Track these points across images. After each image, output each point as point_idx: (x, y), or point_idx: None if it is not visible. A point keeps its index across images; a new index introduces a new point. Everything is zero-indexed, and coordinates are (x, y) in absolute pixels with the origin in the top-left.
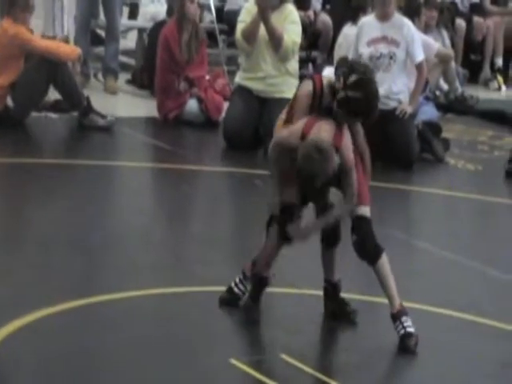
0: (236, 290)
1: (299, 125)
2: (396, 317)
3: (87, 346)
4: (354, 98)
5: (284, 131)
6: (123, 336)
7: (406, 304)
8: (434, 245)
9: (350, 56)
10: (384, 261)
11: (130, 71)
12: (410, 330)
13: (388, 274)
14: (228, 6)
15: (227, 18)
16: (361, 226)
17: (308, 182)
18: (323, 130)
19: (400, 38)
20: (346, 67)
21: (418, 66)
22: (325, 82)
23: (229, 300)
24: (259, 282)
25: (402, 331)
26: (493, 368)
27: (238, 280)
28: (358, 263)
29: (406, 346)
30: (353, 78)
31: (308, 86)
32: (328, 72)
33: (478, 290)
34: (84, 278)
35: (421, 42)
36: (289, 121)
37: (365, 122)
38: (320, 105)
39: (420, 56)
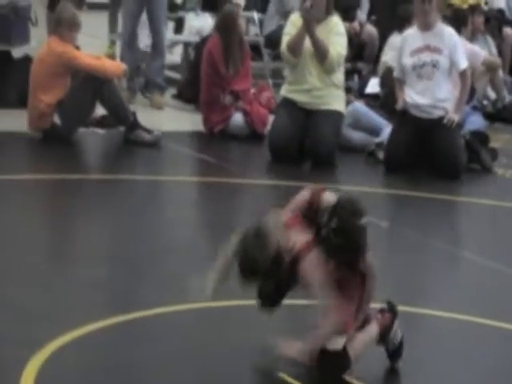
0: None
1: (284, 213)
2: None
3: (130, 360)
4: (334, 243)
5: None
6: (165, 350)
7: (454, 315)
8: (481, 256)
9: (395, 71)
10: None
11: (176, 86)
12: None
13: None
14: (266, 30)
15: (269, 40)
16: (329, 361)
17: (243, 266)
18: (299, 234)
19: (442, 45)
20: (331, 209)
21: (462, 74)
22: (324, 198)
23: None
24: None
25: None
26: None
27: None
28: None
29: None
30: (333, 223)
31: (305, 195)
32: (373, 83)
33: None
34: (129, 293)
35: (466, 51)
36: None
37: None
38: (314, 219)
39: (463, 64)
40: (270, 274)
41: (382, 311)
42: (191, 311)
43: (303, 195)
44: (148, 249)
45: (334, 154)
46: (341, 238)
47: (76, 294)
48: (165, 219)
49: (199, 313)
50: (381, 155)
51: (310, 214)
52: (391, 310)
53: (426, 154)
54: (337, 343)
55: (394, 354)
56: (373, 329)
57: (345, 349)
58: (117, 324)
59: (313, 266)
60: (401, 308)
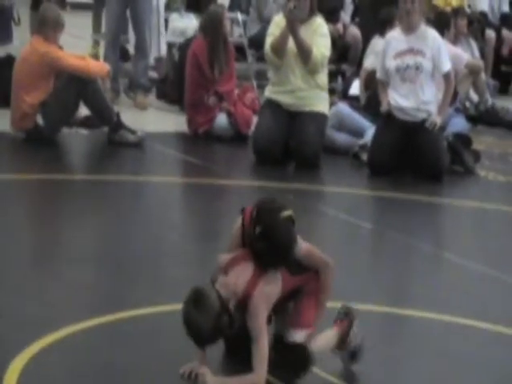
0: None
1: (223, 259)
2: None
3: (115, 361)
4: (262, 249)
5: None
6: (151, 351)
7: (437, 316)
8: (464, 258)
9: (378, 69)
10: None
11: (155, 85)
12: None
13: None
14: (250, 31)
15: (253, 41)
16: (292, 352)
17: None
18: (240, 275)
19: (426, 48)
20: (255, 215)
21: (446, 76)
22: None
23: None
24: None
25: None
26: None
27: None
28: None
29: None
30: (258, 229)
31: (238, 222)
32: (357, 84)
33: (510, 301)
34: (114, 294)
35: (449, 53)
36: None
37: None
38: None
39: (447, 66)
40: (221, 330)
41: (338, 320)
42: (177, 312)
43: (237, 222)
44: (133, 250)
45: (319, 156)
46: (264, 243)
47: (60, 294)
48: (150, 220)
49: None
50: (364, 157)
51: (247, 237)
52: (347, 314)
53: (410, 156)
54: (298, 336)
55: (353, 355)
56: (332, 333)
57: (305, 344)
58: (101, 325)
59: (258, 309)
60: (384, 309)
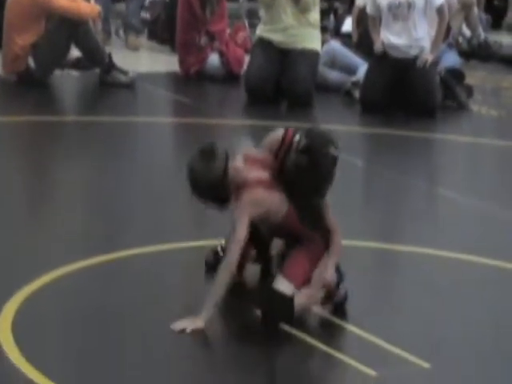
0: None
1: (253, 151)
2: None
3: (109, 303)
4: (299, 161)
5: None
6: (144, 292)
7: (432, 252)
8: (457, 192)
9: (368, 5)
10: None
11: (146, 26)
12: None
13: None
14: None
15: None
16: (277, 300)
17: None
18: (253, 171)
19: None
20: (303, 132)
21: (439, 10)
22: (297, 137)
23: (214, 265)
24: None
25: None
26: None
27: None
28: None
29: None
30: (302, 143)
31: (279, 133)
32: (349, 22)
33: (505, 236)
34: (105, 235)
35: None
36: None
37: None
38: (284, 160)
39: (439, 0)
40: (219, 194)
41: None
42: (173, 251)
43: (277, 133)
44: (124, 191)
45: (311, 93)
46: (306, 157)
47: (52, 237)
48: (142, 161)
49: (181, 253)
50: (357, 94)
51: (281, 153)
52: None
53: (402, 93)
54: (281, 284)
55: (338, 308)
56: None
57: (292, 297)
58: (93, 267)
59: (247, 202)
60: (378, 245)
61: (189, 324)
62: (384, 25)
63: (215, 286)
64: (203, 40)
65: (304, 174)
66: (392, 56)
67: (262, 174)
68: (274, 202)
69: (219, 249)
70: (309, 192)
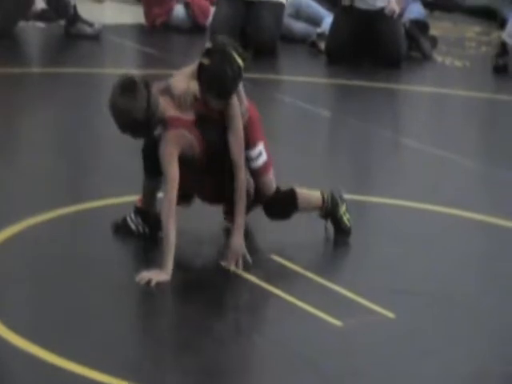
0: (131, 224)
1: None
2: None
3: (78, 252)
4: (204, 66)
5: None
6: (114, 241)
7: (399, 202)
8: (422, 142)
9: None
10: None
11: None
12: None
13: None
14: None
15: None
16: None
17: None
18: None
19: None
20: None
21: None
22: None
23: (123, 232)
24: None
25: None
26: (479, 260)
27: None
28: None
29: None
30: (207, 45)
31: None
32: None
33: (467, 184)
34: (73, 185)
35: None
36: None
37: (218, 99)
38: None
39: None
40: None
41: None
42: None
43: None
44: (90, 141)
45: (276, 43)
46: (210, 59)
47: (17, 187)
48: (107, 111)
49: None
50: (322, 45)
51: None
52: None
53: (367, 44)
54: (253, 153)
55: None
56: (316, 194)
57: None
58: (60, 217)
59: (170, 141)
60: (346, 196)
61: (154, 276)
62: None
63: (165, 235)
64: None
65: (207, 73)
66: (357, 7)
67: (180, 114)
68: (191, 139)
69: (128, 219)
70: (212, 93)
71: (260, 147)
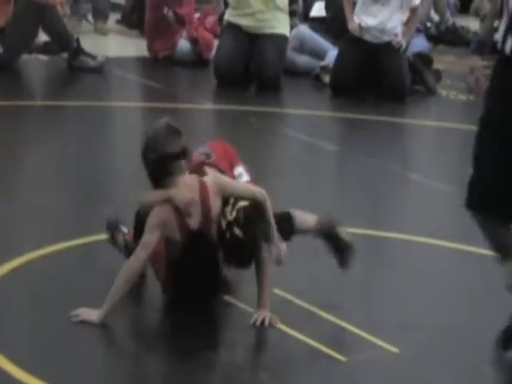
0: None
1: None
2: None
3: (81, 286)
4: (235, 236)
5: None
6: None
7: (401, 236)
8: (426, 176)
9: None
10: None
11: (120, 11)
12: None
13: None
14: None
15: None
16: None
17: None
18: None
19: None
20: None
21: (413, 10)
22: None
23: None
24: None
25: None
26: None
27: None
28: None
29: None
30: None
31: None
32: (318, 6)
33: (472, 219)
34: (75, 219)
35: None
36: None
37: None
38: None
39: (417, 1)
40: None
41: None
42: None
43: None
44: (94, 175)
45: (280, 77)
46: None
47: (20, 221)
48: (111, 145)
49: None
50: (326, 78)
51: None
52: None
53: (372, 77)
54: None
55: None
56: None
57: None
58: (64, 250)
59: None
60: (351, 230)
61: (83, 314)
62: (361, 7)
63: (115, 286)
64: (170, 15)
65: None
66: (363, 39)
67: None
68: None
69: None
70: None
71: (239, 169)
